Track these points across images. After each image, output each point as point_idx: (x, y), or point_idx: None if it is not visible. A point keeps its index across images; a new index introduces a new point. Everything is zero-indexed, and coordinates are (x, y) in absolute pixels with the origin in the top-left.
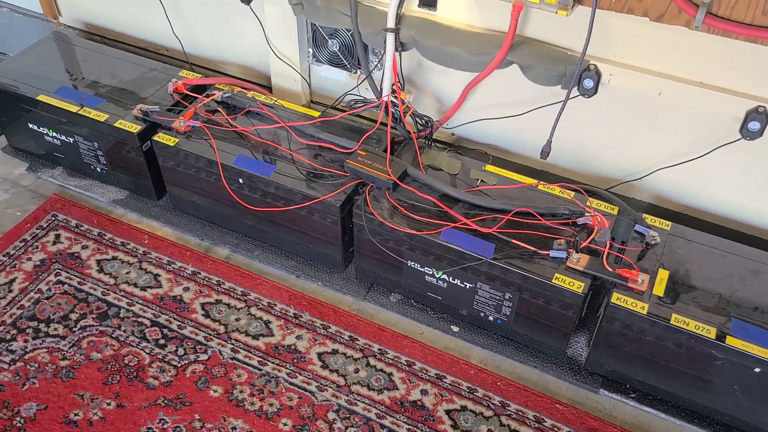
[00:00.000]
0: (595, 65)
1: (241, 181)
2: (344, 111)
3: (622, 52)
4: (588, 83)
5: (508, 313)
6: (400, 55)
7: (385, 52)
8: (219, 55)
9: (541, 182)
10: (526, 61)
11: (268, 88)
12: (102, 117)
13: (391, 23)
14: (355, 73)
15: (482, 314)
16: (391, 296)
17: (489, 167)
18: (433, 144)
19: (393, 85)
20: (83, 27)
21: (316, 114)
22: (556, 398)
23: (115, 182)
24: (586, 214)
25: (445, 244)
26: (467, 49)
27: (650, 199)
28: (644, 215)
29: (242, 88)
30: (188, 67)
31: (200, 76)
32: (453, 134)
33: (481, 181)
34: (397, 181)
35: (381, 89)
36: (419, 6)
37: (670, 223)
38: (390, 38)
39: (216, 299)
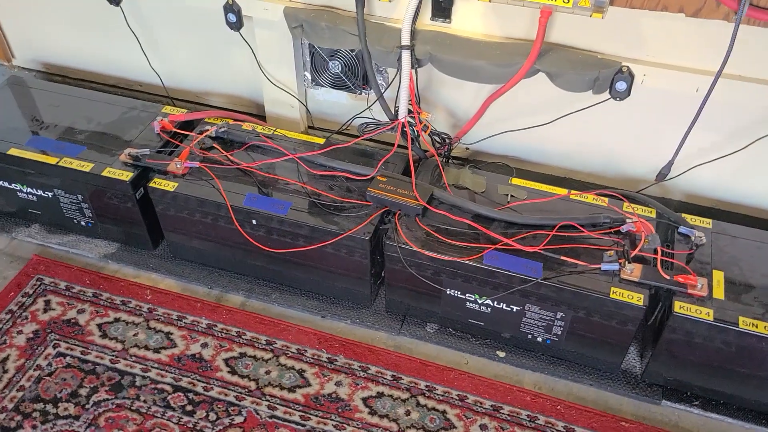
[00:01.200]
0: (627, 67)
1: (254, 222)
2: (349, 136)
3: (654, 52)
4: (621, 86)
5: (560, 333)
6: (416, 72)
7: (400, 70)
8: (202, 86)
9: (573, 191)
10: (555, 68)
11: (261, 116)
12: (87, 166)
13: (406, 40)
14: (360, 94)
15: (530, 336)
16: (427, 327)
17: (515, 180)
18: (450, 161)
19: (410, 104)
20: (41, 68)
21: (321, 141)
22: (619, 415)
23: (103, 235)
24: (628, 220)
25: (491, 269)
26: (491, 61)
27: (679, 197)
28: (682, 215)
29: (234, 120)
30: (169, 102)
31: (186, 111)
32: (467, 149)
33: (511, 196)
34: (427, 205)
35: (396, 110)
36: (432, 19)
37: (710, 220)
38: (405, 56)
39: (240, 352)
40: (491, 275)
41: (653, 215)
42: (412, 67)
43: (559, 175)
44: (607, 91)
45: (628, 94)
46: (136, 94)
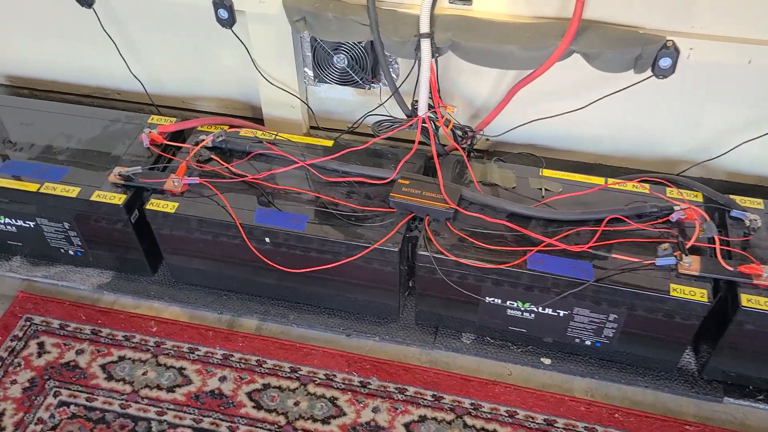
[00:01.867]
0: (672, 41)
1: (268, 240)
2: (357, 135)
3: (702, 23)
4: (665, 62)
5: (611, 335)
6: (436, 62)
7: (419, 62)
8: (189, 90)
9: (611, 179)
10: (593, 48)
11: (258, 119)
12: (73, 191)
13: (425, 27)
14: (369, 88)
15: (577, 340)
16: (462, 337)
17: (546, 172)
18: (471, 155)
19: (431, 98)
20: (5, 81)
21: (329, 143)
22: (681, 418)
23: (94, 263)
24: (676, 208)
25: (536, 274)
26: (522, 45)
27: (720, 176)
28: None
29: (231, 126)
30: (153, 110)
31: (175, 119)
32: (487, 140)
33: (545, 190)
34: (458, 208)
35: (414, 105)
36: (451, 2)
37: (761, 200)
38: (425, 45)
39: (263, 384)
40: (536, 280)
41: (699, 199)
42: (432, 57)
43: (589, 161)
44: (650, 69)
45: (673, 71)
46: (114, 103)
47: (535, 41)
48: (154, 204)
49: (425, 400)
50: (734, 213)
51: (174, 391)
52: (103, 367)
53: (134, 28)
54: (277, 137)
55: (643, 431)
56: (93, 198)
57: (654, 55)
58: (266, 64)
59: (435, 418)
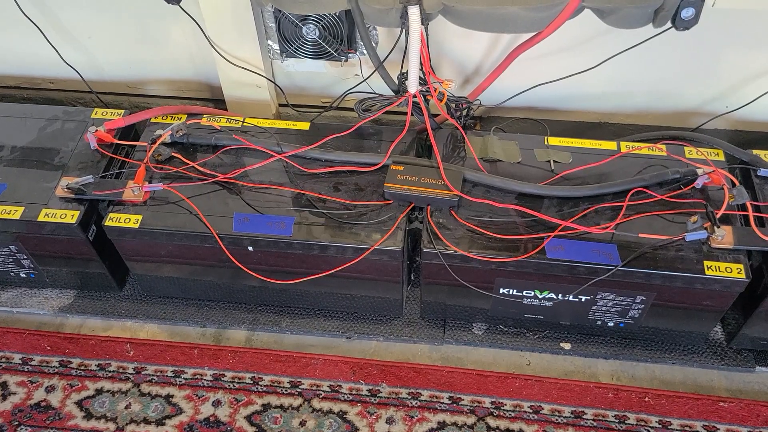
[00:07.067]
0: None
1: (250, 249)
2: (337, 108)
3: None
4: (687, 12)
5: (637, 316)
6: (426, 31)
7: (407, 32)
8: (134, 74)
9: (624, 142)
10: (608, 3)
11: (218, 101)
12: (16, 212)
13: None
14: (346, 60)
15: (599, 323)
16: (474, 328)
17: (552, 140)
18: (467, 127)
19: (424, 71)
20: None
21: (306, 126)
22: (714, 395)
23: (51, 284)
24: (700, 172)
25: (556, 263)
26: (526, 5)
27: (726, 126)
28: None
29: (189, 114)
30: (94, 99)
31: (123, 112)
32: (480, 105)
33: (554, 162)
34: (463, 194)
35: (402, 80)
36: None
37: None
38: (414, 13)
39: (262, 404)
40: (557, 269)
41: (720, 158)
42: (422, 25)
43: (594, 120)
44: (669, 21)
45: (696, 22)
46: (48, 94)
47: None
48: (114, 219)
49: (442, 403)
50: (762, 172)
51: (164, 424)
52: (79, 404)
53: (62, 8)
54: (245, 123)
55: (676, 413)
56: (41, 218)
57: (676, 5)
58: (223, 40)
59: (455, 423)
